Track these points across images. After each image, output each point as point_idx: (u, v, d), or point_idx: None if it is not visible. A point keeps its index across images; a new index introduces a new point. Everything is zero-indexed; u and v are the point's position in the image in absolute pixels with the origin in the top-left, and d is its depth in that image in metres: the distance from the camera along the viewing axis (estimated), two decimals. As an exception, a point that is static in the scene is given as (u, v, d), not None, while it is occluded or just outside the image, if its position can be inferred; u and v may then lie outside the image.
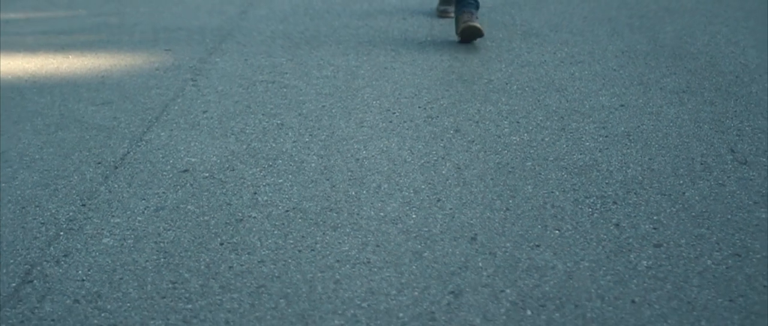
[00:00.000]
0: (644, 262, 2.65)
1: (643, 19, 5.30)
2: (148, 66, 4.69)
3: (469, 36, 4.80)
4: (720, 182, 3.17)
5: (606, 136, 3.60)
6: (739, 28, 5.06)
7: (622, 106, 3.93)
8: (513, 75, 4.37)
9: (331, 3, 5.94)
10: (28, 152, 3.62)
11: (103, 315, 2.46)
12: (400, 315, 2.42)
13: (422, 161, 3.40)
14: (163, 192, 3.19)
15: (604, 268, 2.62)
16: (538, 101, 4.01)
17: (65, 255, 2.78)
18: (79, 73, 4.62)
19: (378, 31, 5.22)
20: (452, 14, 5.32)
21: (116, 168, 3.42)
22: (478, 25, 4.73)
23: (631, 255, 2.69)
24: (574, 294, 2.49)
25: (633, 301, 2.45)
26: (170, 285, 2.59)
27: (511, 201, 3.06)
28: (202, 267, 2.68)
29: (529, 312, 2.41)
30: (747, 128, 3.66)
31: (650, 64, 4.48)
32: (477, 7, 4.91)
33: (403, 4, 5.84)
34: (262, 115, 3.94)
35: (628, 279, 2.56)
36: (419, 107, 3.95)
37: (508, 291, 2.52)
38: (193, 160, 3.48)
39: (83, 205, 3.12)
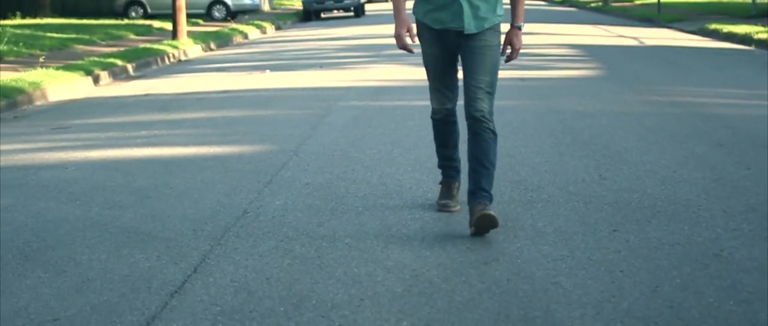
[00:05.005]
0: (539, 205, 5.58)
1: (572, 130, 8.30)
2: (265, 148, 7.70)
3: (483, 226, 4.90)
4: (590, 185, 6.11)
5: (534, 171, 6.55)
6: (630, 131, 8.04)
7: (546, 162, 6.90)
8: (486, 151, 7.34)
9: (369, 121, 8.96)
10: (215, 179, 6.59)
11: (290, 217, 5.38)
12: (429, 196, 5.34)
13: (434, 180, 6.36)
14: (303, 187, 6.15)
15: (520, 208, 5.55)
16: (499, 160, 6.99)
17: (259, 206, 5.72)
18: (223, 153, 7.63)
19: (405, 136, 8.22)
20: (454, 208, 5.42)
21: (269, 183, 6.39)
22: (492, 213, 4.88)
23: (536, 205, 5.61)
24: (505, 216, 5.42)
25: (532, 214, 5.37)
26: (322, 201, 5.52)
27: (479, 190, 6.01)
28: (337, 196, 5.62)
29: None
30: (613, 168, 6.60)
31: (569, 147, 7.45)
32: (491, 199, 5.09)
33: (421, 105, 8.85)
34: (341, 166, 6.91)
35: (530, 208, 5.49)
36: (434, 165, 6.92)
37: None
38: (309, 181, 6.44)
39: (259, 193, 6.08)
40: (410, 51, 5.30)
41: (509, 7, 5.35)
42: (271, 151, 7.60)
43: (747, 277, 4.23)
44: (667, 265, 4.42)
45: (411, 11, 5.37)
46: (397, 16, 5.26)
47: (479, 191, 5.09)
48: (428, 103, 5.51)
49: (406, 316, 3.88)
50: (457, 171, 5.60)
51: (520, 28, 5.29)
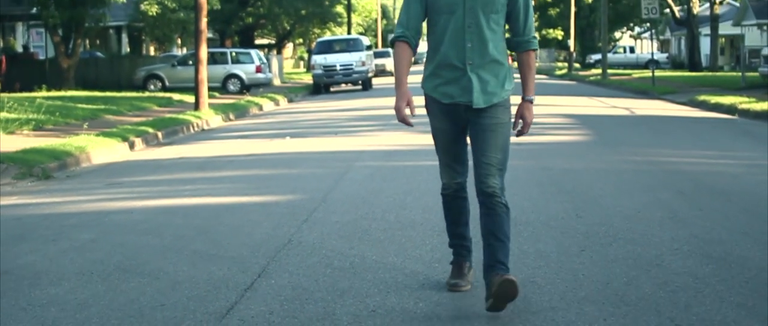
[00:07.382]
0: (525, 235, 6.97)
1: (558, 182, 9.71)
2: (297, 197, 9.13)
3: (503, 294, 4.85)
4: (567, 221, 7.50)
5: (522, 212, 7.95)
6: (608, 183, 9.45)
7: (533, 205, 8.30)
8: (484, 198, 8.76)
9: (384, 177, 10.37)
10: (260, 219, 8.00)
11: (326, 244, 6.78)
12: (437, 230, 6.74)
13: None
14: (333, 224, 7.56)
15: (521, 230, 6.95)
16: (494, 204, 8.40)
17: (301, 236, 7.12)
18: (262, 201, 9.05)
19: (415, 187, 9.63)
20: (464, 288, 5.33)
21: (306, 221, 7.79)
22: (513, 278, 4.84)
23: (522, 234, 7.00)
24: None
25: (518, 241, 6.77)
26: (350, 233, 6.92)
27: (477, 224, 7.43)
28: (362, 230, 7.02)
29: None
30: (588, 209, 8.00)
31: (553, 194, 8.86)
32: (507, 272, 4.98)
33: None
34: (364, 209, 8.31)
35: (517, 237, 6.88)
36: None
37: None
38: (338, 219, 7.84)
39: (298, 228, 7.49)
40: (409, 124, 5.19)
41: (519, 80, 5.34)
42: (303, 199, 9.02)
43: (677, 277, 5.62)
44: (618, 271, 5.81)
45: (419, 85, 5.43)
46: (398, 89, 5.20)
47: (496, 264, 5.03)
48: (436, 162, 5.57)
49: (422, 301, 5.27)
50: (469, 250, 5.53)
51: (531, 102, 5.23)
